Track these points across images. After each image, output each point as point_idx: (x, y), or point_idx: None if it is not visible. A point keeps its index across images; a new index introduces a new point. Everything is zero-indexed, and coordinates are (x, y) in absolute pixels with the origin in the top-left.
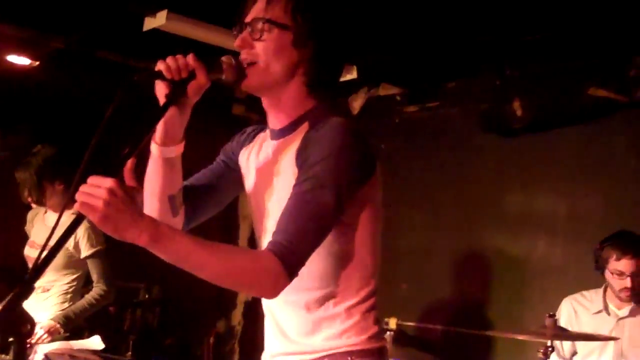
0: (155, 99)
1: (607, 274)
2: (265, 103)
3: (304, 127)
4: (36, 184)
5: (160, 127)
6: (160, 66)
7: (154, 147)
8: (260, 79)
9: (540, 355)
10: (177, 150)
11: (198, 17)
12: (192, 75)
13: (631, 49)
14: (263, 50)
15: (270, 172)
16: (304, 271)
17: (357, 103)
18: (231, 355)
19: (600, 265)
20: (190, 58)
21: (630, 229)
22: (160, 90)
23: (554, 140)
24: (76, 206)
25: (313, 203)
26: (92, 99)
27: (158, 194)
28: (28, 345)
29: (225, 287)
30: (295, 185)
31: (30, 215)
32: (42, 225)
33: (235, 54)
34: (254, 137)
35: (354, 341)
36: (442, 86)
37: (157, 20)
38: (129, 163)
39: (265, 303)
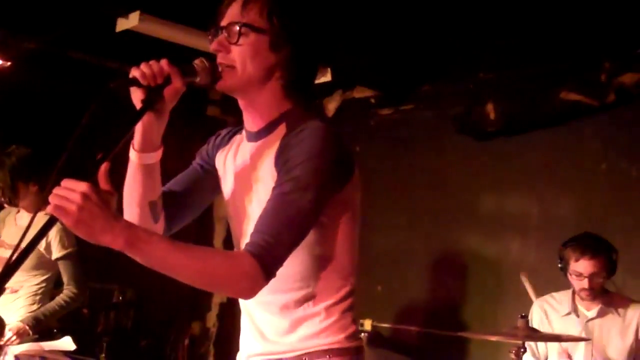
0: (130, 105)
1: (568, 275)
2: (241, 104)
3: (281, 129)
4: (10, 184)
5: (138, 133)
6: (134, 73)
7: (132, 154)
8: (237, 82)
9: (512, 356)
10: (156, 156)
11: (171, 18)
12: (167, 80)
13: (603, 54)
14: (240, 55)
15: (249, 175)
16: (282, 272)
17: (331, 105)
18: (206, 357)
19: (563, 266)
20: (163, 63)
21: (601, 231)
22: (136, 96)
23: (527, 144)
24: (49, 209)
25: (292, 205)
26: (64, 100)
27: (138, 201)
28: None
29: (203, 289)
30: (274, 188)
31: (1, 215)
32: (13, 225)
33: (209, 56)
34: (229, 139)
35: (332, 340)
36: (416, 89)
37: (130, 22)
38: (103, 167)
39: (243, 304)
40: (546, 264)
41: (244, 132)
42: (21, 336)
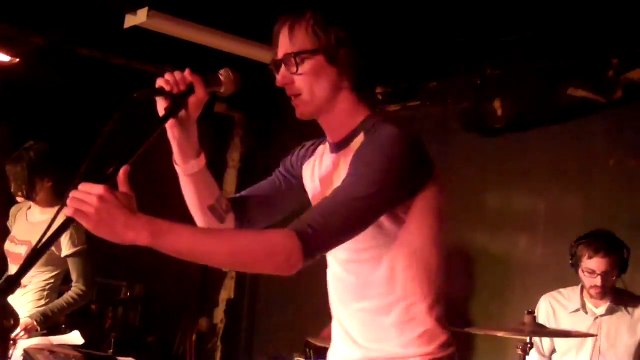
0: (154, 117)
1: (580, 272)
2: (321, 123)
3: (361, 137)
4: (27, 179)
5: (174, 148)
6: (159, 83)
7: (177, 169)
8: (311, 109)
9: (519, 352)
10: (198, 164)
11: (179, 15)
12: (190, 88)
13: (611, 50)
14: (304, 83)
15: (330, 186)
16: (368, 279)
17: None
18: (213, 353)
19: (574, 263)
20: (186, 73)
21: (608, 227)
22: (161, 105)
23: (534, 140)
24: (67, 212)
25: (351, 197)
26: (73, 96)
27: (199, 207)
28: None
29: (241, 270)
30: (342, 181)
31: (13, 210)
32: (24, 221)
33: (214, 53)
34: (314, 151)
35: (425, 350)
36: (423, 85)
37: (138, 18)
38: (123, 170)
39: (335, 311)
40: (553, 260)
41: (327, 143)
42: (29, 332)
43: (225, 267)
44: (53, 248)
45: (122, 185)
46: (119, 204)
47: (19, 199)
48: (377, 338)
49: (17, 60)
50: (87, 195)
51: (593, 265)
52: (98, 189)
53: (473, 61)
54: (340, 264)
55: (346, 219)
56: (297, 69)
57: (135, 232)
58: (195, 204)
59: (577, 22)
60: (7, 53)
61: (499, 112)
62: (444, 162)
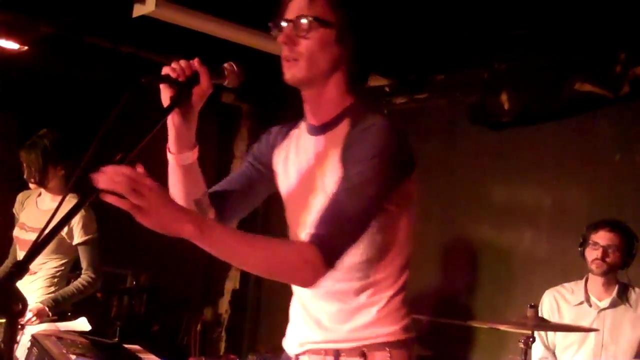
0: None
1: (587, 250)
2: (305, 97)
3: (346, 123)
4: (41, 167)
5: (171, 136)
6: (165, 70)
7: (170, 157)
8: (304, 74)
9: (521, 345)
10: (192, 156)
11: (187, 4)
12: (195, 76)
13: (618, 45)
14: (308, 48)
15: (313, 168)
16: (345, 262)
17: None
18: (217, 343)
19: (582, 250)
20: (195, 61)
21: None
22: (166, 94)
23: (540, 134)
24: (120, 204)
25: (355, 199)
26: (81, 84)
27: (183, 200)
28: (20, 326)
29: (266, 277)
30: (340, 182)
31: (20, 197)
32: (34, 208)
33: (222, 43)
34: (285, 135)
35: (389, 330)
36: (430, 78)
37: (146, 7)
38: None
39: (297, 294)
40: (558, 254)
41: (302, 125)
42: (40, 317)
43: (252, 271)
44: (65, 235)
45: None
46: (168, 195)
47: (31, 186)
48: (344, 319)
49: (26, 48)
50: (138, 184)
51: (597, 237)
52: (148, 181)
53: (480, 54)
54: None
55: (357, 224)
56: (307, 33)
57: (181, 224)
58: (182, 195)
59: (584, 16)
60: (15, 41)
61: (506, 106)
62: (450, 154)
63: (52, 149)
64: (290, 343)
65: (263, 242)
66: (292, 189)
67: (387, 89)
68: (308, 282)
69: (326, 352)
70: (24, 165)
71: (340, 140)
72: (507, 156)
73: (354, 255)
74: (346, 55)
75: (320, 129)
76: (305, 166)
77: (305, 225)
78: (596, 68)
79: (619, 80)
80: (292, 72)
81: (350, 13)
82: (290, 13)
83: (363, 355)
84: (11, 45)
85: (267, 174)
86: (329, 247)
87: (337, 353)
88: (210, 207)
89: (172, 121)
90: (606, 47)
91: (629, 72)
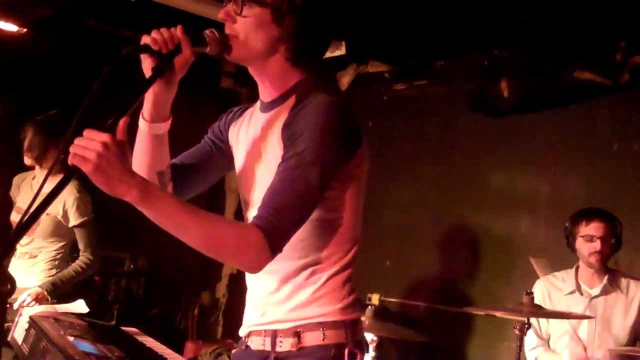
0: (141, 74)
1: (578, 243)
2: (252, 73)
3: (291, 100)
4: (44, 146)
5: (148, 103)
6: (146, 40)
7: (142, 124)
8: (242, 52)
9: (516, 332)
10: (165, 127)
11: None
12: (178, 48)
13: (618, 33)
14: (243, 26)
15: (259, 144)
16: (291, 241)
17: (345, 79)
18: (215, 327)
19: (571, 241)
20: (178, 30)
21: (611, 211)
22: (147, 64)
23: (539, 122)
24: (70, 159)
25: (299, 179)
26: (79, 67)
27: (146, 170)
28: (7, 305)
29: (209, 255)
30: (281, 162)
31: (16, 179)
32: (29, 191)
33: (221, 26)
34: (241, 113)
35: (326, 310)
36: (430, 65)
37: None
38: (122, 122)
39: (247, 277)
40: (555, 242)
41: (258, 103)
42: (40, 301)
43: (194, 246)
44: (60, 219)
45: (121, 135)
46: (120, 155)
47: (27, 162)
48: (283, 299)
49: (25, 30)
50: (91, 141)
51: (591, 230)
52: (103, 136)
53: (480, 41)
54: None
55: (301, 206)
56: (241, 11)
57: (127, 186)
58: (146, 165)
59: (585, 4)
60: (14, 23)
61: (505, 93)
62: (449, 141)
63: (58, 131)
64: (243, 326)
65: (207, 218)
66: (241, 167)
67: (386, 75)
68: (252, 265)
69: (265, 332)
70: (27, 137)
71: (284, 116)
72: (505, 143)
73: (296, 235)
74: (286, 35)
75: (269, 106)
76: (252, 143)
77: (253, 204)
78: (596, 56)
79: (619, 68)
80: (231, 51)
81: None
82: None
83: (297, 335)
84: (10, 27)
85: (224, 150)
86: (273, 231)
87: (274, 333)
88: (170, 180)
89: (151, 89)
90: (606, 35)
91: (629, 60)
